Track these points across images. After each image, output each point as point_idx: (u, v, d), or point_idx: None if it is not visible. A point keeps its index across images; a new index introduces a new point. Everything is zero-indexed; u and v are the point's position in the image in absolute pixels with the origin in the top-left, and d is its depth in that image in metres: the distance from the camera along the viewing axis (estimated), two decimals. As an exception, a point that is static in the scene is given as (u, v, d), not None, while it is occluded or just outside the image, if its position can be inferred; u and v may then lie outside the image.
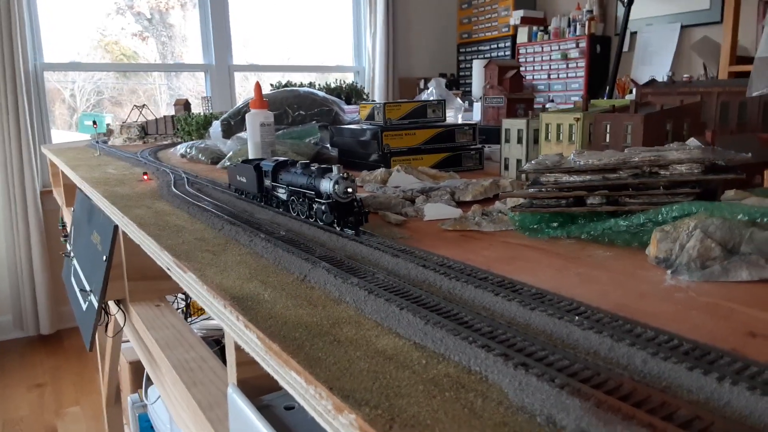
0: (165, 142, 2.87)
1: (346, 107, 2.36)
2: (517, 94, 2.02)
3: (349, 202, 0.84)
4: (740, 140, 1.05)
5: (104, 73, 4.65)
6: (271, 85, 2.84)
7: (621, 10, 3.75)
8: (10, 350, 3.97)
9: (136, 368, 1.96)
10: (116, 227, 1.31)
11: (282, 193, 1.02)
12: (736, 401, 0.38)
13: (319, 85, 2.83)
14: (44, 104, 4.12)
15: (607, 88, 3.37)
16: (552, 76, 4.54)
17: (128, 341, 1.62)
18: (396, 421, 0.39)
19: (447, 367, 0.46)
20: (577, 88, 4.35)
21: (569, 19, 4.47)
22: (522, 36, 4.75)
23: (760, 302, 0.58)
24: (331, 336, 0.53)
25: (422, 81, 4.98)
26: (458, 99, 2.89)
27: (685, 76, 3.28)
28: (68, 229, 2.15)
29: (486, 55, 5.07)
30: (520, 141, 1.38)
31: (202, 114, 2.79)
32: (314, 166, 0.92)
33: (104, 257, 1.36)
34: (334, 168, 0.86)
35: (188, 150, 2.13)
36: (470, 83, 4.99)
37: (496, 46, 5.02)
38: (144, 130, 3.03)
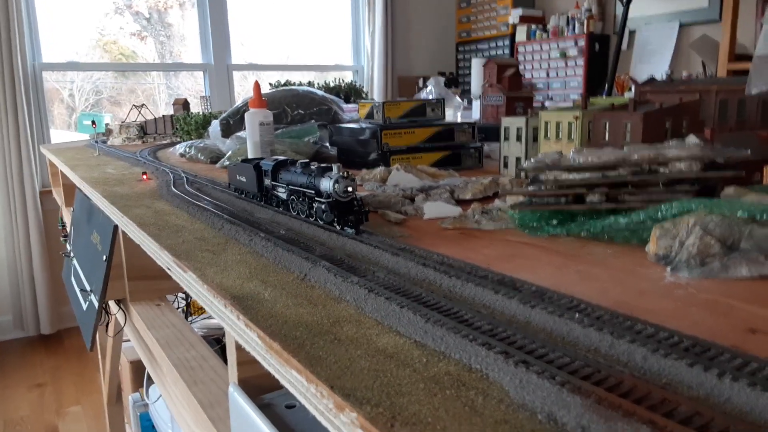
0: (164, 142, 2.86)
1: (345, 106, 2.36)
2: (516, 93, 2.02)
3: (350, 201, 0.85)
4: (739, 138, 1.05)
5: (103, 73, 4.65)
6: (270, 84, 2.84)
7: (620, 9, 3.75)
8: (10, 350, 3.97)
9: (137, 368, 1.97)
10: (116, 227, 1.31)
11: (282, 193, 1.02)
12: (736, 397, 0.38)
13: (318, 84, 2.83)
14: (43, 104, 4.12)
15: (606, 86, 3.37)
16: (551, 75, 4.53)
17: (129, 341, 1.62)
18: (397, 419, 0.39)
19: (448, 365, 0.46)
20: (575, 87, 4.34)
21: (568, 17, 4.47)
22: (521, 34, 4.75)
23: (760, 299, 0.58)
24: (331, 335, 0.53)
25: (421, 80, 4.97)
26: (457, 97, 2.89)
27: (684, 74, 3.28)
28: (68, 229, 2.15)
29: (485, 54, 5.07)
30: (519, 139, 1.38)
31: (201, 113, 2.79)
32: (314, 165, 0.92)
33: (104, 257, 1.36)
34: (334, 167, 0.86)
35: (187, 149, 2.13)
36: (469, 82, 4.99)
37: (494, 44, 5.01)
38: (143, 129, 3.03)
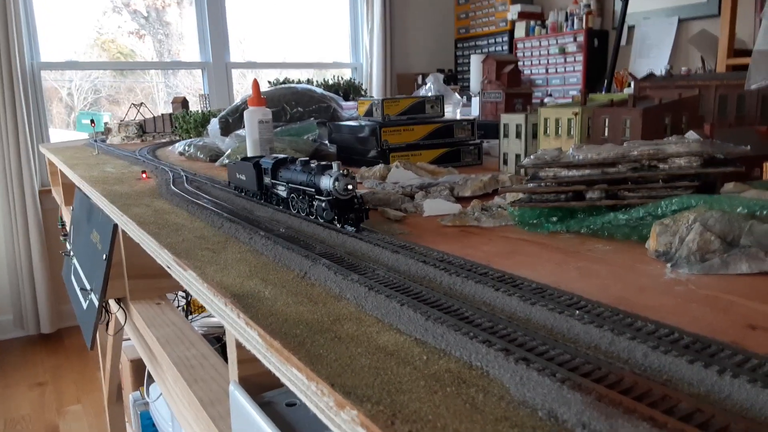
0: (163, 140, 2.86)
1: (344, 104, 2.36)
2: (515, 89, 2.02)
3: (350, 199, 0.84)
4: (739, 133, 1.05)
5: (101, 72, 4.64)
6: (269, 82, 2.83)
7: (618, 4, 3.74)
8: (10, 349, 3.97)
9: (137, 366, 1.97)
10: (115, 226, 1.31)
11: (282, 191, 1.02)
12: (736, 394, 0.38)
13: (317, 81, 2.83)
14: (42, 103, 4.11)
15: (605, 82, 3.36)
16: (550, 71, 4.53)
17: (129, 339, 1.62)
18: (398, 416, 0.39)
19: (448, 362, 0.46)
20: (575, 83, 4.34)
21: (567, 13, 4.47)
22: (519, 31, 4.75)
23: (760, 295, 0.58)
24: (332, 333, 0.53)
25: (420, 77, 4.97)
26: (456, 94, 2.88)
27: (683, 69, 3.28)
28: (67, 228, 2.15)
29: (484, 50, 5.07)
30: (518, 136, 1.38)
31: (200, 112, 2.79)
32: (314, 163, 0.92)
33: (104, 256, 1.36)
34: (334, 165, 0.86)
35: (186, 148, 2.13)
36: (468, 78, 4.99)
37: (493, 41, 5.01)
38: (142, 128, 3.03)
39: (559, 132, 1.23)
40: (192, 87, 4.84)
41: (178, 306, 2.14)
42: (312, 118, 2.12)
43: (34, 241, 4.02)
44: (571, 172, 0.85)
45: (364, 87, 3.04)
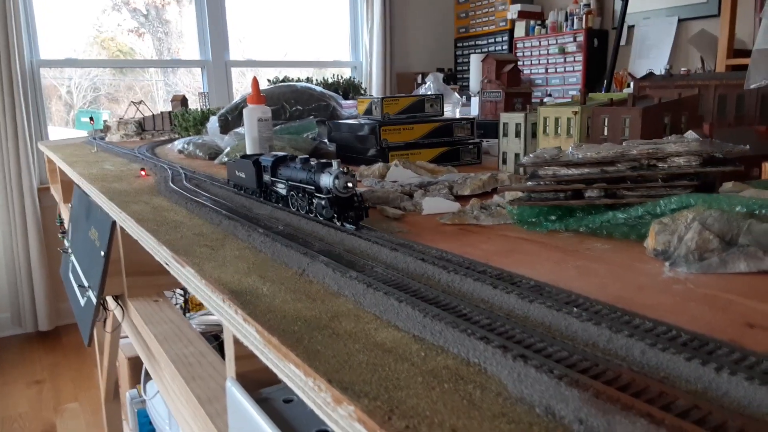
0: (162, 138, 2.86)
1: (343, 102, 2.36)
2: (514, 89, 2.02)
3: (349, 197, 0.84)
4: (738, 133, 1.05)
5: (101, 70, 4.64)
6: (269, 80, 2.83)
7: (618, 4, 3.74)
8: (8, 347, 3.97)
9: (135, 364, 1.96)
10: (114, 223, 1.31)
11: (281, 189, 1.01)
12: (734, 391, 0.38)
13: (317, 80, 2.83)
14: (41, 101, 4.11)
15: (605, 81, 3.37)
16: (549, 71, 4.53)
17: (126, 337, 1.62)
18: (395, 412, 0.39)
19: (446, 359, 0.46)
20: (574, 82, 4.34)
21: (566, 13, 4.47)
22: (519, 30, 4.75)
23: (758, 293, 0.58)
24: (329, 329, 0.53)
25: (420, 76, 4.97)
26: (456, 94, 2.88)
27: (682, 69, 3.28)
28: (66, 226, 2.14)
29: (483, 50, 5.07)
30: (518, 135, 1.38)
31: (199, 110, 2.79)
32: (314, 161, 0.92)
33: (102, 253, 1.36)
34: (334, 163, 0.86)
35: (186, 146, 2.13)
36: (468, 78, 4.99)
37: (493, 40, 5.01)
38: (141, 126, 3.02)
39: (559, 131, 1.23)
40: (191, 85, 4.84)
41: (176, 304, 2.14)
42: (311, 117, 2.12)
43: (32, 239, 4.02)
44: (570, 171, 0.85)
45: (363, 86, 3.03)
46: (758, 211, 0.66)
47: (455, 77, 5.27)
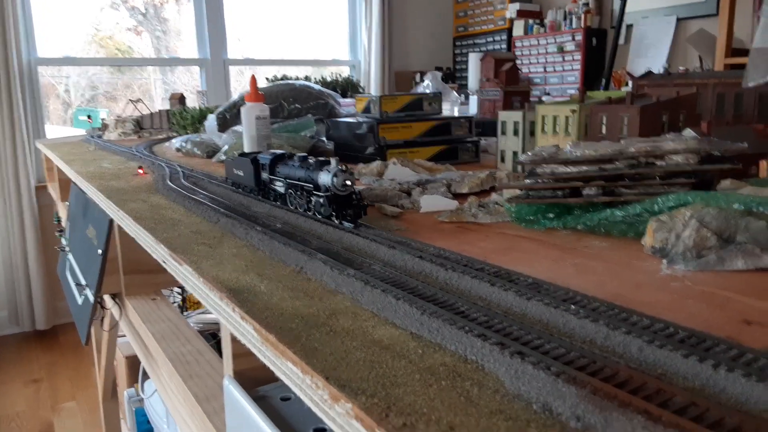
0: (160, 137, 2.85)
1: (341, 100, 2.36)
2: (513, 87, 2.02)
3: (348, 195, 0.84)
4: (736, 131, 1.05)
5: (99, 68, 4.63)
6: (267, 79, 2.83)
7: (617, 3, 3.75)
8: (5, 346, 3.96)
9: (132, 362, 1.96)
10: (111, 221, 1.31)
11: (280, 187, 1.01)
12: (731, 388, 0.38)
13: (315, 79, 2.82)
14: (38, 99, 4.10)
15: (603, 80, 3.37)
16: (548, 69, 4.53)
17: (124, 335, 1.62)
18: (392, 409, 0.39)
19: (443, 356, 0.46)
20: (573, 81, 4.34)
21: (565, 12, 4.47)
22: (518, 29, 4.75)
23: (755, 291, 0.58)
24: (327, 327, 0.53)
25: (418, 75, 4.97)
26: (454, 92, 2.88)
27: (680, 68, 3.28)
28: (63, 224, 2.14)
29: (482, 49, 5.06)
30: (516, 133, 1.38)
31: (197, 108, 2.78)
32: (312, 159, 0.92)
33: (99, 251, 1.36)
34: (332, 161, 0.86)
35: (183, 144, 2.12)
36: (466, 77, 4.98)
37: (492, 39, 5.01)
38: (139, 124, 3.02)
39: (557, 129, 1.23)
40: (189, 84, 4.83)
41: (174, 302, 2.14)
42: (310, 115, 2.11)
43: (29, 237, 4.01)
44: (568, 169, 0.85)
45: (362, 84, 3.03)
46: (756, 208, 0.66)
47: (454, 76, 5.27)
